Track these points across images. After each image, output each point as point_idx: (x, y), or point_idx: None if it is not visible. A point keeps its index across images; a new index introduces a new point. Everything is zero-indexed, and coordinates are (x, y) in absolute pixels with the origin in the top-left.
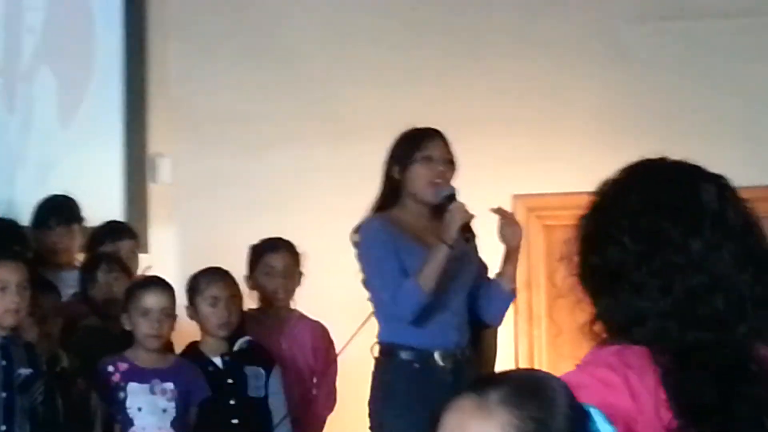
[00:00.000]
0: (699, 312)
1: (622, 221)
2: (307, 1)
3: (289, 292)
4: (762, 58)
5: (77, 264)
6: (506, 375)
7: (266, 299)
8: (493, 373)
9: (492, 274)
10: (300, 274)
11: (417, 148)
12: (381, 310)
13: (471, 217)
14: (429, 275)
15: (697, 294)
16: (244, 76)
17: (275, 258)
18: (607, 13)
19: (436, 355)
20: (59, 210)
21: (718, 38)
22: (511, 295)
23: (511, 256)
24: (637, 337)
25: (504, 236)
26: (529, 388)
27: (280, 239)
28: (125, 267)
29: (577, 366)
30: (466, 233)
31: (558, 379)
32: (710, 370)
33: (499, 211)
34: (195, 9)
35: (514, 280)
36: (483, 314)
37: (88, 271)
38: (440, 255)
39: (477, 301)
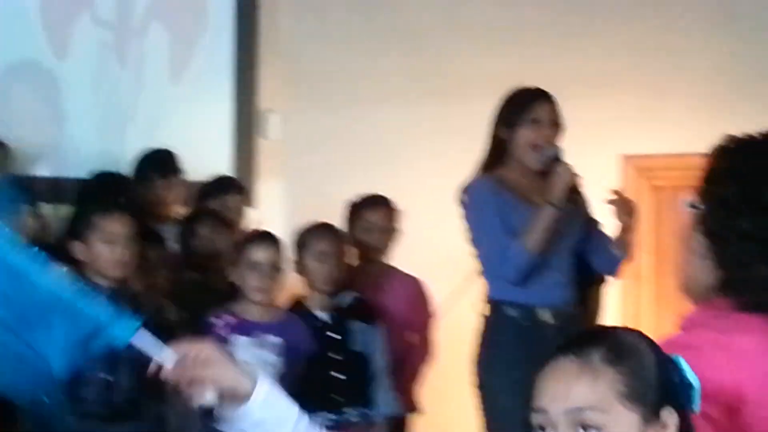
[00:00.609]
0: None
1: None
2: None
3: (386, 248)
4: None
5: (176, 217)
6: (597, 334)
7: (363, 255)
8: (583, 333)
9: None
10: (397, 230)
11: (524, 110)
12: (488, 269)
13: (577, 178)
14: (535, 237)
15: None
16: (354, 31)
17: (373, 214)
18: None
19: (544, 313)
20: (159, 163)
21: None
22: (624, 255)
23: (626, 233)
24: None
25: (619, 219)
26: (623, 344)
27: (378, 195)
28: (227, 221)
29: (683, 328)
30: (573, 194)
31: (638, 331)
32: None
33: (614, 195)
34: None
35: (628, 249)
36: (597, 267)
37: (189, 224)
38: (546, 216)
39: (590, 254)
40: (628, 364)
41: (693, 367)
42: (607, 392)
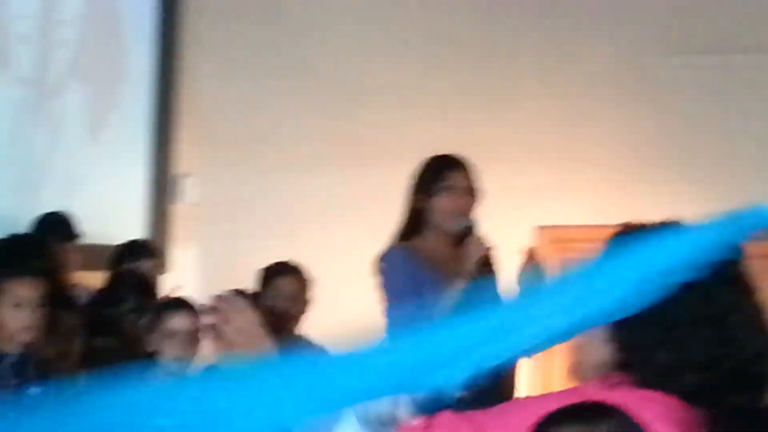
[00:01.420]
0: (749, 377)
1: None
2: (337, 25)
3: (297, 318)
4: None
5: (75, 281)
6: (600, 407)
7: (274, 323)
8: (584, 405)
9: None
10: (308, 299)
11: (440, 178)
12: None
13: (489, 250)
14: (445, 310)
15: (749, 361)
16: (272, 98)
17: (284, 282)
18: (633, 45)
19: (453, 387)
20: (56, 227)
21: (744, 73)
22: None
23: None
24: (680, 388)
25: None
26: (626, 420)
27: (289, 263)
28: (150, 286)
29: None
30: (484, 266)
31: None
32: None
33: (526, 252)
34: (226, 29)
35: None
36: None
37: (112, 289)
38: (457, 289)
39: None
40: None
41: None
42: None
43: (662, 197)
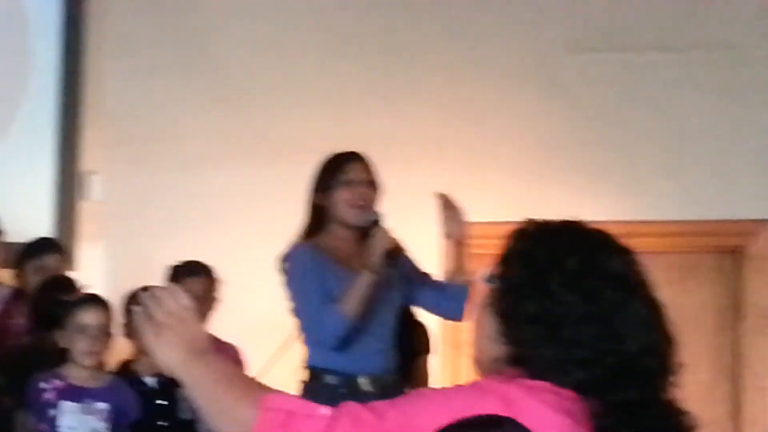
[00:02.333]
0: (636, 372)
1: (562, 278)
2: (243, 22)
3: (203, 317)
4: (692, 90)
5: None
6: (492, 420)
7: None
8: (481, 417)
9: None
10: (216, 299)
11: (338, 172)
12: (308, 336)
13: (395, 242)
14: (353, 301)
15: (636, 356)
16: (178, 95)
17: (193, 282)
18: (541, 42)
19: (362, 381)
20: None
21: (650, 70)
22: (466, 287)
23: (457, 251)
24: (569, 382)
25: (448, 229)
26: (517, 428)
27: (199, 263)
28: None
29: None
30: (391, 258)
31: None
32: (651, 426)
33: (442, 198)
34: (132, 27)
35: (465, 273)
36: (444, 313)
37: (47, 291)
38: (364, 281)
39: (432, 304)
40: None
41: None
42: None
43: (566, 194)
